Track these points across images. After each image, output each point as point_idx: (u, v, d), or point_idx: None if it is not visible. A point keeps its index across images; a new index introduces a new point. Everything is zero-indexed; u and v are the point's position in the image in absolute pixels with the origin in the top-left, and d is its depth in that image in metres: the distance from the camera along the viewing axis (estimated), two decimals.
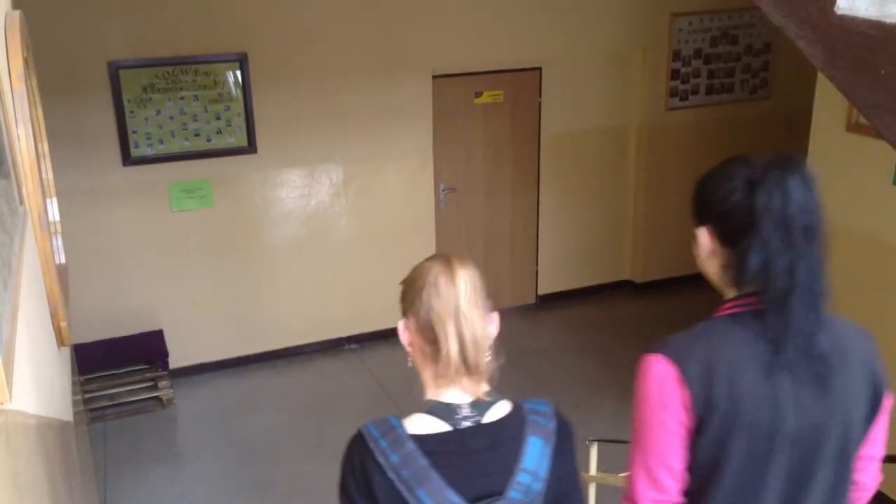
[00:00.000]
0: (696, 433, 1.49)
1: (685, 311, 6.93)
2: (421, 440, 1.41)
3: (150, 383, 5.60)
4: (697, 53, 6.81)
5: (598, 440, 4.02)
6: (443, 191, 6.49)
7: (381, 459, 1.39)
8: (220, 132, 5.63)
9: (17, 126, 2.17)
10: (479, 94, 6.38)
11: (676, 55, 6.74)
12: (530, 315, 6.92)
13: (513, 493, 1.40)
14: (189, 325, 5.87)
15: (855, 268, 4.47)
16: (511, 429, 1.45)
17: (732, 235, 1.53)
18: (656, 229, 7.13)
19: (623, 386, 5.68)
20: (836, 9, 1.52)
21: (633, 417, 1.57)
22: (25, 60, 2.37)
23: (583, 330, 6.59)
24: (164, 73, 5.39)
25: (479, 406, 1.46)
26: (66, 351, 3.09)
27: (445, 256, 1.52)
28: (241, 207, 5.83)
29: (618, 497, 4.30)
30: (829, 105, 4.49)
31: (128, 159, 5.44)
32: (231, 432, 5.34)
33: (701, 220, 1.65)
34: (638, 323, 6.72)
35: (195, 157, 5.60)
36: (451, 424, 1.43)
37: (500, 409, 1.48)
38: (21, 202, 2.15)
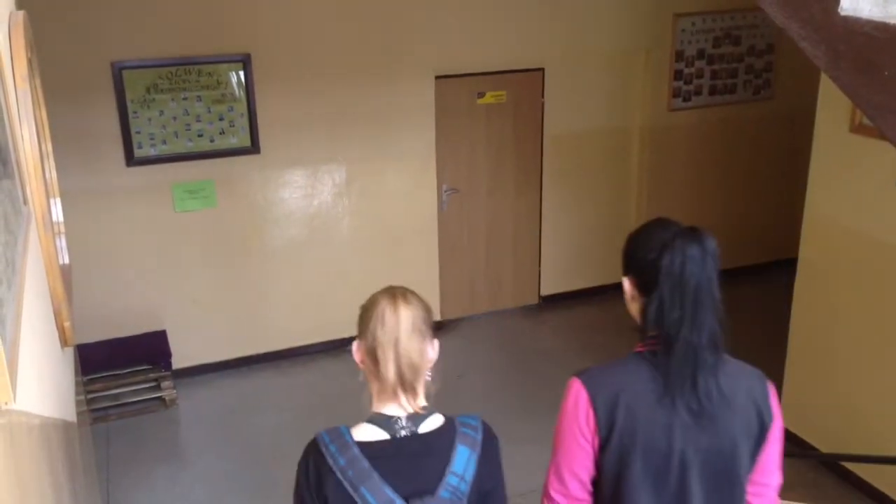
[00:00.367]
0: (601, 450, 1.75)
1: None
2: (364, 446, 1.66)
3: (153, 384, 5.61)
4: (700, 54, 6.80)
5: None
6: (445, 191, 6.49)
7: (330, 461, 1.65)
8: (224, 133, 5.63)
9: (21, 126, 2.17)
10: (481, 95, 6.38)
11: (679, 56, 6.73)
12: (533, 315, 6.92)
13: (443, 492, 1.64)
14: (192, 326, 5.88)
15: (858, 269, 4.46)
16: (443, 438, 1.70)
17: (645, 287, 1.79)
18: None
19: None
20: (839, 10, 1.52)
21: (555, 428, 1.84)
22: (29, 61, 2.38)
23: (585, 331, 6.58)
24: (168, 73, 5.40)
25: (416, 418, 1.71)
26: (70, 351, 3.10)
27: (393, 293, 1.76)
28: (244, 208, 5.84)
29: None
30: (832, 106, 4.48)
31: (131, 160, 5.45)
32: (234, 433, 5.34)
33: (626, 270, 1.89)
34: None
35: (198, 157, 5.60)
36: (389, 434, 1.68)
37: (434, 422, 1.74)
38: (25, 202, 2.16)
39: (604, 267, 7.24)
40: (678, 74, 6.78)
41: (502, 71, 6.35)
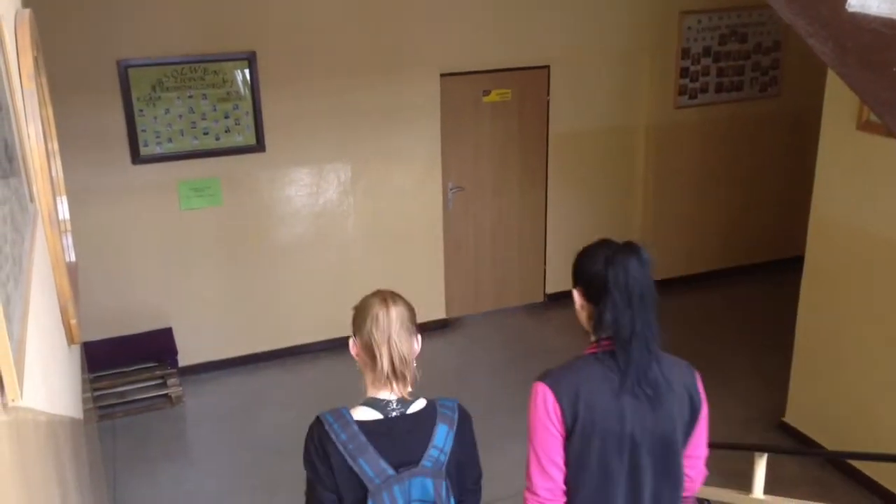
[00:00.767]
0: (567, 438, 2.07)
1: (692, 310, 6.94)
2: (361, 424, 1.96)
3: (159, 381, 5.62)
4: (706, 51, 6.79)
5: None
6: (451, 189, 6.49)
7: (333, 437, 1.94)
8: (229, 131, 5.64)
9: (27, 125, 2.18)
10: (487, 93, 6.37)
11: (685, 53, 6.72)
12: (538, 313, 6.91)
13: (425, 461, 1.96)
14: (198, 323, 5.89)
15: (864, 267, 4.45)
16: (426, 418, 2.01)
17: (594, 296, 2.11)
18: (664, 228, 7.12)
19: None
20: (847, 6, 1.51)
21: (528, 429, 2.12)
22: (35, 59, 2.38)
23: None
24: (173, 71, 5.40)
25: (404, 402, 2.02)
26: (76, 349, 3.10)
27: (383, 296, 2.03)
28: (249, 206, 5.84)
29: None
30: (839, 103, 4.46)
31: (137, 158, 5.46)
32: (239, 430, 5.35)
33: (576, 283, 2.21)
34: None
35: (204, 155, 5.61)
36: (383, 414, 1.99)
37: (419, 405, 2.05)
38: (31, 200, 2.16)
39: None
40: (684, 72, 6.76)
41: (507, 69, 6.34)
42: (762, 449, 3.20)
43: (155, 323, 5.77)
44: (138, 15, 5.23)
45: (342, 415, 1.98)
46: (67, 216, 3.18)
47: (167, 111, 5.46)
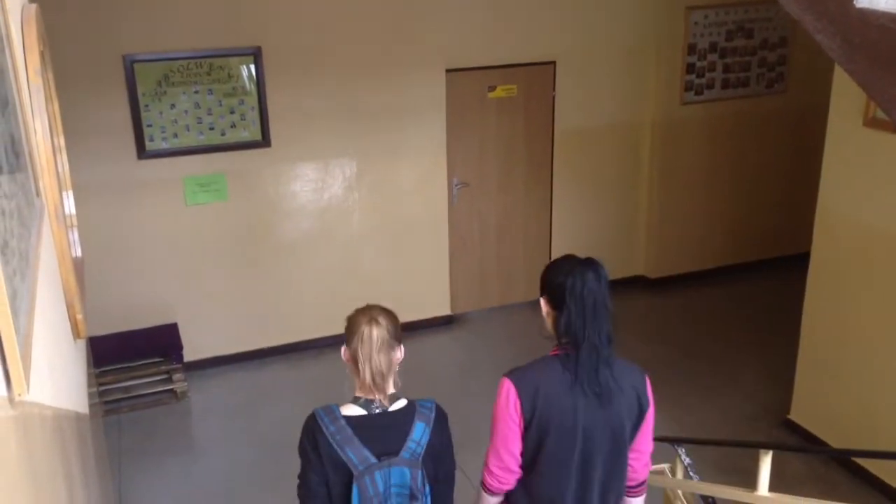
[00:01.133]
0: (525, 430, 2.32)
1: (698, 307, 6.94)
2: (348, 419, 2.23)
3: (164, 376, 5.64)
4: (713, 47, 6.77)
5: None
6: (456, 185, 6.48)
7: (323, 429, 2.20)
8: (235, 126, 5.65)
9: (34, 120, 2.18)
10: (492, 89, 6.37)
11: (691, 49, 6.70)
12: None
13: (404, 453, 2.22)
14: (203, 319, 5.90)
15: (870, 264, 4.43)
16: (405, 415, 2.28)
17: (556, 304, 2.34)
18: (670, 224, 7.10)
19: None
20: (855, 2, 1.50)
21: (492, 417, 2.38)
22: (42, 54, 2.39)
23: None
24: (179, 66, 5.41)
25: (388, 401, 2.29)
26: (82, 343, 3.11)
27: (369, 317, 2.26)
28: (254, 201, 5.85)
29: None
30: (846, 99, 4.44)
31: (142, 153, 5.47)
32: (244, 425, 5.36)
33: (542, 292, 2.43)
34: (651, 318, 6.70)
35: (209, 150, 5.62)
36: (367, 411, 2.26)
37: (400, 404, 2.30)
38: (38, 195, 2.17)
39: (614, 261, 7.20)
40: (690, 68, 6.74)
41: (513, 64, 6.33)
42: (767, 446, 3.19)
43: (160, 318, 5.78)
44: (144, 10, 5.24)
45: (332, 410, 2.25)
46: (74, 211, 3.19)
47: (173, 106, 5.46)
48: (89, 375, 3.54)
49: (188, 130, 5.55)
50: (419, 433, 2.25)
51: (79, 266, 3.02)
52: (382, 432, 2.23)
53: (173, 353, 5.66)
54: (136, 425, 5.39)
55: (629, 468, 2.45)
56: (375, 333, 2.23)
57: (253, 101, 5.63)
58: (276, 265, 6.03)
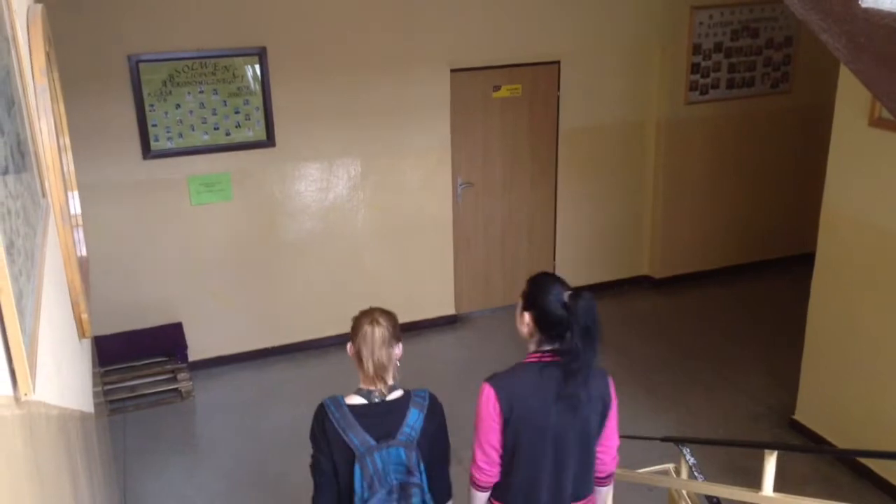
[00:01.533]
0: (504, 428, 2.59)
1: (703, 307, 6.93)
2: (351, 407, 2.54)
3: (169, 375, 5.65)
4: (718, 47, 6.75)
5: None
6: (460, 185, 6.48)
7: (330, 416, 2.52)
8: (239, 126, 5.65)
9: (39, 120, 2.19)
10: (497, 88, 6.36)
11: (696, 49, 6.68)
12: None
13: (400, 436, 2.51)
14: (208, 318, 5.91)
15: (876, 265, 4.42)
16: (402, 404, 2.57)
17: (545, 327, 2.60)
18: (675, 224, 7.09)
19: (640, 382, 5.68)
20: (860, 1, 1.50)
21: (475, 418, 2.65)
22: (47, 55, 2.39)
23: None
24: (184, 66, 5.42)
25: (386, 392, 2.58)
26: (87, 343, 3.12)
27: (371, 318, 2.57)
28: (259, 201, 5.86)
29: (638, 494, 4.28)
30: (851, 99, 4.43)
31: (148, 153, 5.48)
32: (249, 424, 5.37)
33: (526, 308, 2.64)
34: (656, 319, 6.69)
35: (214, 150, 5.63)
36: (368, 400, 2.56)
37: (397, 394, 2.59)
38: (43, 195, 2.17)
39: (619, 261, 7.22)
40: (695, 68, 6.73)
41: (518, 64, 6.33)
42: (772, 446, 3.19)
43: (165, 317, 5.79)
44: (150, 10, 5.25)
45: (338, 400, 2.57)
46: (79, 211, 3.19)
47: (178, 106, 5.48)
48: (94, 375, 3.55)
49: (193, 130, 5.56)
50: (414, 419, 2.54)
51: (84, 265, 3.03)
52: (381, 418, 2.53)
53: (178, 352, 5.67)
54: (141, 425, 5.40)
55: (598, 461, 2.74)
56: (377, 332, 2.54)
57: (258, 100, 5.64)
58: (281, 265, 6.03)
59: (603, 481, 2.82)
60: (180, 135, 5.53)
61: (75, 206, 3.12)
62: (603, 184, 6.92)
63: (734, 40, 6.79)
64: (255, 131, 5.70)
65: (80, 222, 3.21)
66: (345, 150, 5.98)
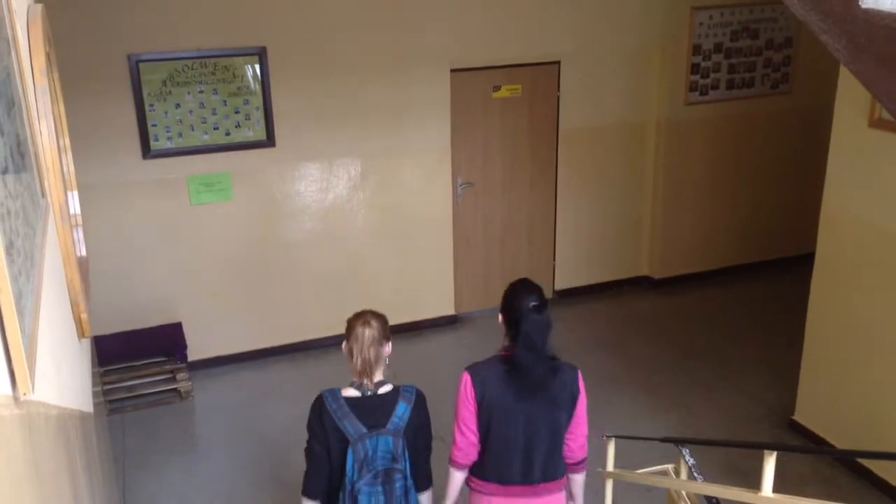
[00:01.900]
0: (479, 411, 2.92)
1: (703, 307, 6.93)
2: (347, 399, 2.83)
3: (168, 375, 5.65)
4: (718, 48, 6.75)
5: (614, 436, 3.99)
6: (460, 185, 6.48)
7: (327, 405, 2.81)
8: (239, 126, 5.65)
9: (39, 120, 2.19)
10: (497, 88, 6.36)
11: (696, 49, 6.68)
12: None
13: (389, 426, 2.81)
14: (207, 318, 5.91)
15: (875, 265, 4.42)
16: (391, 397, 2.88)
17: (512, 326, 2.92)
18: (674, 225, 7.09)
19: (640, 382, 5.67)
20: (860, 2, 1.50)
21: (455, 404, 2.98)
22: (47, 55, 2.39)
23: (600, 325, 6.57)
24: (184, 66, 5.42)
25: (377, 386, 2.88)
26: (87, 342, 3.12)
27: (363, 320, 2.88)
28: (259, 201, 5.86)
29: (635, 495, 4.28)
30: (851, 100, 4.43)
31: (147, 153, 5.48)
32: (248, 425, 5.37)
33: (501, 309, 3.01)
34: (655, 319, 6.69)
35: (214, 150, 5.63)
36: (361, 393, 2.85)
37: (387, 388, 2.89)
38: (43, 195, 2.17)
39: (619, 262, 7.22)
40: (695, 68, 6.73)
41: (518, 64, 6.33)
42: (771, 447, 3.19)
43: (165, 317, 5.79)
44: (149, 10, 5.25)
45: (335, 392, 2.86)
46: (78, 211, 3.19)
47: (178, 106, 5.48)
48: (94, 374, 3.55)
49: (193, 130, 5.56)
50: (402, 411, 2.85)
51: (83, 265, 3.03)
52: (373, 410, 2.83)
53: (177, 352, 5.67)
54: (140, 425, 5.40)
55: (568, 448, 3.02)
56: (367, 333, 2.85)
57: (257, 100, 5.64)
58: (281, 265, 6.03)
59: (576, 468, 3.09)
60: (180, 135, 5.53)
61: (75, 206, 3.12)
62: (603, 184, 6.92)
63: (734, 41, 6.79)
64: (255, 131, 5.70)
65: (80, 222, 3.21)
66: (345, 150, 5.98)
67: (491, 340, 6.43)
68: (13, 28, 1.91)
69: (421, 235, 6.36)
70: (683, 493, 3.59)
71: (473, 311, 6.81)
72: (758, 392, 5.55)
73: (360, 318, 2.91)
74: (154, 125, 5.45)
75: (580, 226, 6.96)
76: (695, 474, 3.49)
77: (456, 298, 6.68)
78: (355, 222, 6.16)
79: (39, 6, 2.47)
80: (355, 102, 5.88)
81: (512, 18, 6.14)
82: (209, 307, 5.91)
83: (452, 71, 6.10)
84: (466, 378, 2.96)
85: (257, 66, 5.57)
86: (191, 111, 5.51)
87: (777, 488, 3.21)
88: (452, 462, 3.02)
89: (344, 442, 2.77)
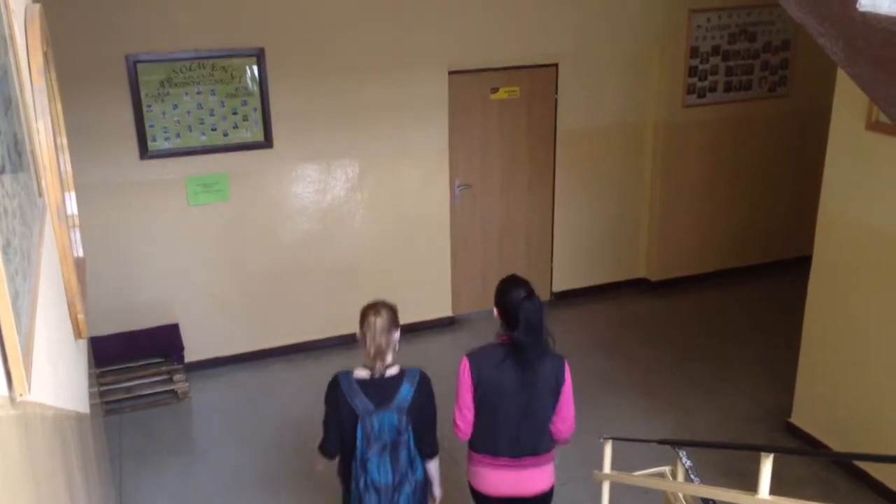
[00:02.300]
0: (475, 391, 3.25)
1: (700, 310, 6.94)
2: (358, 380, 3.20)
3: (165, 376, 5.64)
4: (715, 50, 6.76)
5: (612, 438, 3.99)
6: (458, 187, 6.48)
7: (342, 384, 3.19)
8: (237, 127, 5.65)
9: (36, 120, 2.19)
10: (495, 90, 6.37)
11: (694, 52, 6.69)
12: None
13: (394, 404, 3.18)
14: (204, 319, 5.90)
15: (872, 267, 4.43)
16: (397, 379, 3.23)
17: (507, 318, 3.26)
18: (672, 227, 7.10)
19: (637, 384, 5.68)
20: (858, 6, 1.50)
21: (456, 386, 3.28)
22: (45, 55, 2.39)
23: (597, 327, 6.57)
24: (182, 67, 5.41)
25: (385, 368, 3.22)
26: (83, 343, 3.12)
27: (375, 309, 3.21)
28: (257, 202, 5.85)
29: (633, 497, 4.28)
30: (848, 103, 4.44)
31: (145, 153, 5.47)
32: (245, 426, 5.36)
33: (496, 303, 3.32)
34: (653, 321, 6.70)
35: (212, 151, 5.62)
36: (370, 374, 3.20)
37: (394, 371, 3.24)
38: (40, 195, 2.17)
39: (616, 264, 7.22)
40: (693, 71, 6.74)
41: (516, 66, 6.34)
42: (768, 449, 3.19)
43: (162, 318, 5.79)
44: (148, 10, 5.24)
45: (348, 373, 3.23)
46: (75, 211, 3.19)
47: (175, 107, 5.47)
48: (90, 375, 3.55)
49: (191, 131, 5.55)
50: (406, 391, 3.20)
51: (80, 266, 3.02)
52: (380, 389, 3.19)
53: (174, 353, 5.66)
54: (137, 426, 5.39)
55: (556, 430, 3.34)
56: (378, 321, 3.18)
57: (255, 101, 5.64)
58: (278, 266, 6.03)
59: (561, 444, 3.46)
60: (178, 135, 5.53)
61: (72, 206, 3.11)
62: (600, 186, 6.92)
63: (732, 43, 6.80)
64: (253, 132, 5.70)
65: (77, 222, 3.21)
66: (343, 151, 5.98)
67: (488, 341, 6.45)
68: (11, 27, 1.91)
69: (419, 237, 6.36)
70: (680, 495, 3.59)
71: (471, 312, 6.81)
72: (755, 394, 5.55)
73: (373, 307, 3.24)
74: (152, 126, 5.45)
75: (578, 227, 6.96)
76: (692, 476, 3.49)
77: (453, 300, 6.68)
78: (353, 223, 6.16)
79: (37, 6, 2.47)
80: (353, 104, 5.88)
81: (510, 21, 6.15)
82: (206, 308, 5.90)
83: (450, 73, 6.11)
84: (465, 363, 3.29)
85: (255, 67, 5.57)
86: (188, 112, 5.51)
87: (774, 491, 3.22)
88: (457, 434, 3.40)
89: (354, 417, 3.16)
